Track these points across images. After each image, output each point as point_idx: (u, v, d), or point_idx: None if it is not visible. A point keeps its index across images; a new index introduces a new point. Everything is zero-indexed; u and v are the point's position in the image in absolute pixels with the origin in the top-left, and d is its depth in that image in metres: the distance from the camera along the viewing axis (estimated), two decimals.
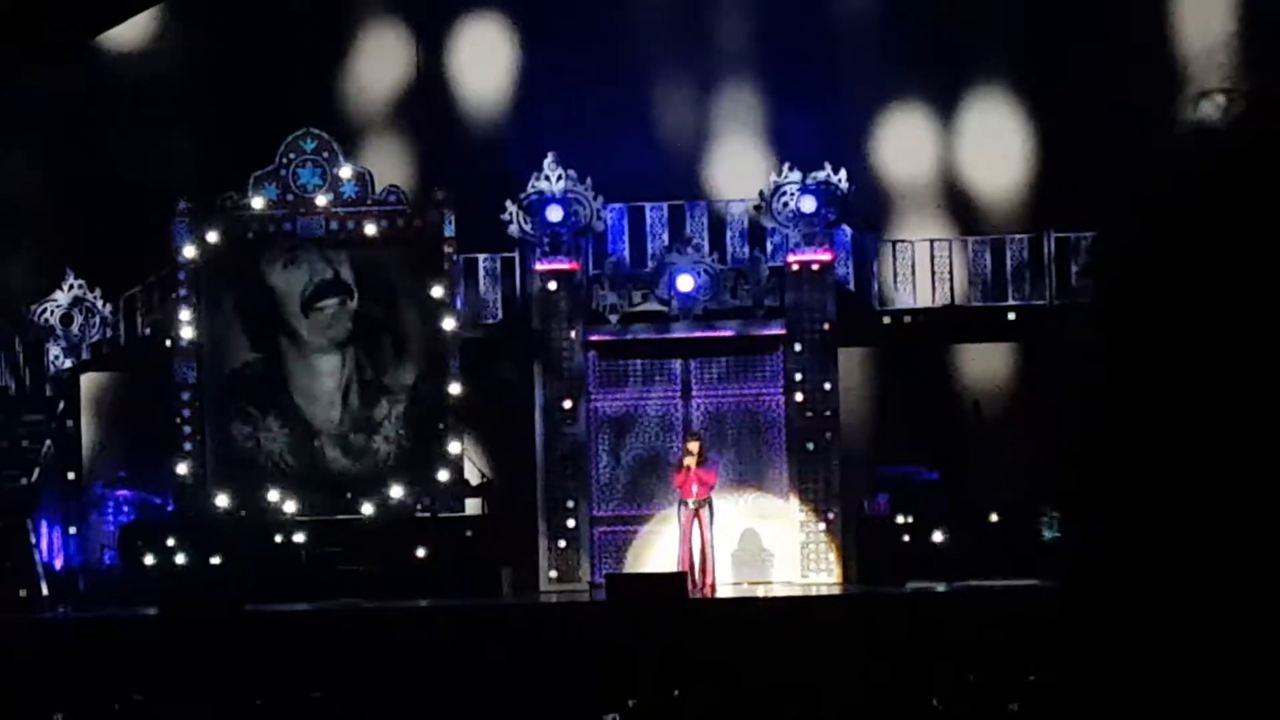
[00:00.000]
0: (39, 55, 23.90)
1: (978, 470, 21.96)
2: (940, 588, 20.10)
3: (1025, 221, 22.99)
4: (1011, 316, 22.38)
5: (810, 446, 22.00)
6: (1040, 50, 23.47)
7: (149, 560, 21.58)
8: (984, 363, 23.20)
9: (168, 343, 22.65)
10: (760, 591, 21.34)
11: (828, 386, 22.10)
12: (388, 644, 18.17)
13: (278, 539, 21.78)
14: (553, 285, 22.26)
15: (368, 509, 22.24)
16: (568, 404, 22.22)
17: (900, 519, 21.48)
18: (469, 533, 21.81)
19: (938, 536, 21.25)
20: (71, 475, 22.67)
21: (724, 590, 20.88)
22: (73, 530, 22.49)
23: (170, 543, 21.69)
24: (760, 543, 22.05)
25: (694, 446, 20.89)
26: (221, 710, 15.19)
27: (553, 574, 22.11)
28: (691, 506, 20.66)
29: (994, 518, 21.29)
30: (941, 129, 23.91)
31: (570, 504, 22.17)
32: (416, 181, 23.37)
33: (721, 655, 17.08)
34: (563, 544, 22.15)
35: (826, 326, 22.07)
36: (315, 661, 17.58)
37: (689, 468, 20.72)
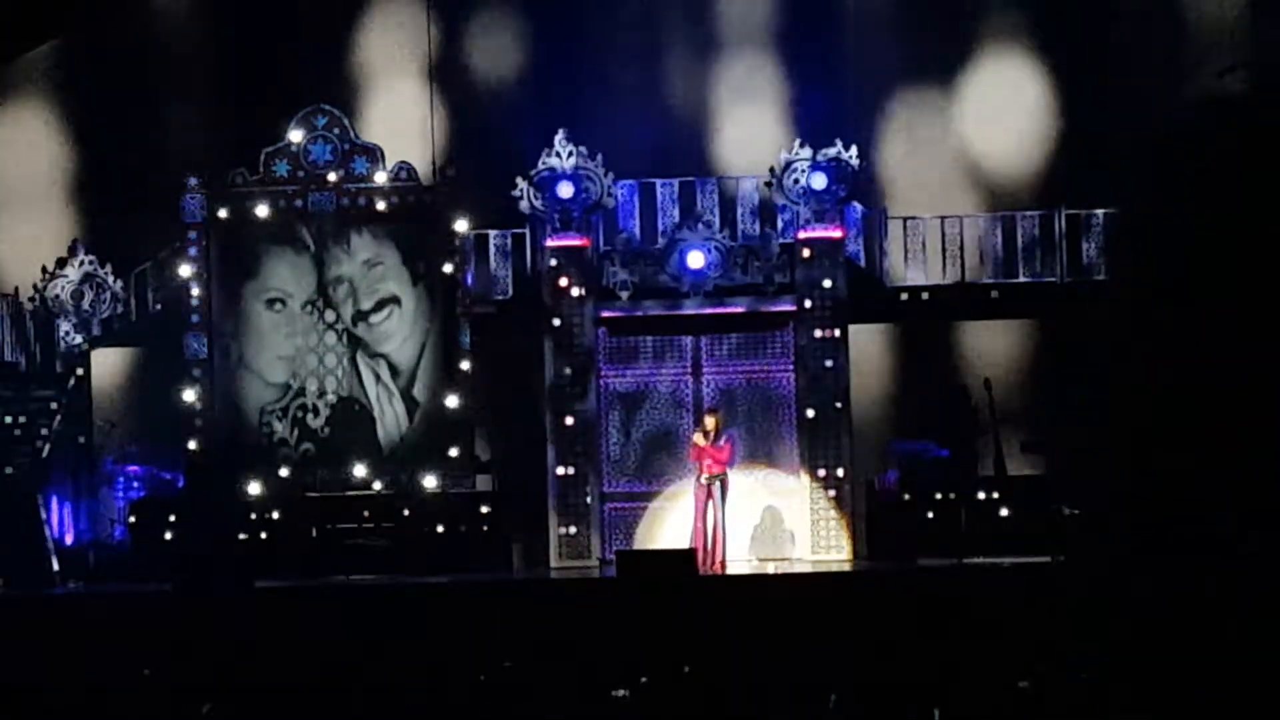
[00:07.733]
0: (44, 31, 23.88)
1: (989, 447, 21.92)
2: (951, 564, 20.08)
3: (1037, 198, 22.95)
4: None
5: (821, 423, 21.98)
6: (1054, 25, 23.41)
7: (159, 536, 21.59)
8: (995, 339, 23.17)
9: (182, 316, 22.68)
10: (771, 568, 21.34)
11: (838, 363, 22.08)
12: (398, 620, 18.18)
13: (288, 515, 21.79)
14: (563, 261, 22.25)
15: (378, 485, 22.26)
16: (578, 380, 22.21)
17: (911, 496, 21.46)
18: (480, 509, 21.81)
19: (948, 513, 21.21)
20: (82, 451, 22.69)
21: (736, 566, 20.86)
22: (83, 506, 22.52)
23: (180, 518, 21.69)
24: (782, 521, 22.02)
25: (709, 421, 20.85)
26: (229, 685, 15.19)
27: (563, 550, 22.12)
28: (704, 482, 20.64)
29: (1006, 495, 21.25)
30: (953, 104, 23.86)
31: (581, 480, 22.17)
32: (427, 157, 23.35)
33: (732, 632, 17.07)
34: (573, 520, 22.16)
35: (836, 301, 22.06)
36: (324, 637, 17.59)
37: (698, 444, 20.70)
